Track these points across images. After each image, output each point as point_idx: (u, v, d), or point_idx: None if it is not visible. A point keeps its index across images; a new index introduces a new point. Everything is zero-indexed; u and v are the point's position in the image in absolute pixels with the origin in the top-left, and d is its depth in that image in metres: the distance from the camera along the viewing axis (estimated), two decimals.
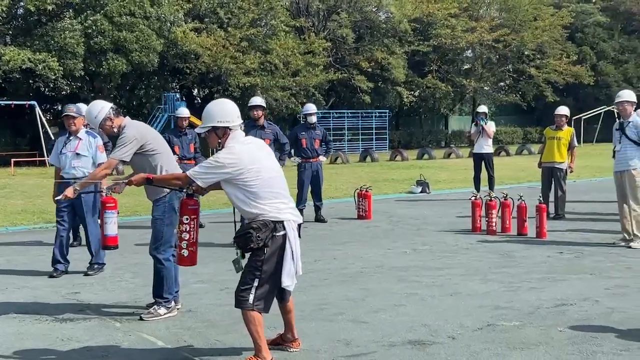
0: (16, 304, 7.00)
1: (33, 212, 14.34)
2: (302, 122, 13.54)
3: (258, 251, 4.86)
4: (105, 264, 8.54)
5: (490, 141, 15.78)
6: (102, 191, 6.80)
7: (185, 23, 35.87)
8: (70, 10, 33.35)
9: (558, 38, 51.93)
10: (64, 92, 33.98)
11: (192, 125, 12.00)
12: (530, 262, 8.71)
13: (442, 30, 46.26)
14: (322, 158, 12.61)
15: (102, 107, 6.48)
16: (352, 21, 44.01)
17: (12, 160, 29.39)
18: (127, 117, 6.65)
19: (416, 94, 47.42)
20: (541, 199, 11.10)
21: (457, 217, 12.99)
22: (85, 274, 8.31)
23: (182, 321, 6.35)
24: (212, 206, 14.50)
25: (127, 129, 6.37)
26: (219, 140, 5.08)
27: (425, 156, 34.88)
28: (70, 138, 8.52)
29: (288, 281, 4.94)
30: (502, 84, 55.70)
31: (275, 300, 5.13)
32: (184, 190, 5.52)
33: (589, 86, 52.15)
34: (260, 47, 38.00)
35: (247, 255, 4.97)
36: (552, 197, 12.52)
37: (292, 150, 12.66)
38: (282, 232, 4.91)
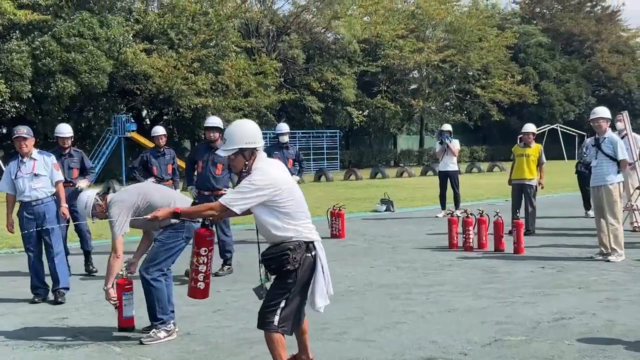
0: (5, 332, 6.74)
1: None
2: (274, 142, 13.45)
3: (290, 272, 4.72)
4: (69, 288, 8.25)
5: (455, 159, 15.91)
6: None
7: (135, 44, 35.43)
8: (17, 32, 32.63)
9: (502, 58, 53.16)
10: (9, 115, 33.11)
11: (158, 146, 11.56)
12: (516, 278, 8.80)
13: (390, 50, 46.82)
14: (295, 177, 12.52)
15: (87, 197, 6.45)
16: (302, 42, 44.22)
17: None
18: (113, 195, 6.64)
19: (366, 113, 47.75)
20: (518, 215, 11.25)
21: (428, 235, 13.07)
22: (56, 303, 7.96)
23: (183, 345, 6.23)
24: None
25: (114, 208, 6.32)
26: (246, 163, 4.88)
27: (379, 175, 35.10)
28: (24, 160, 8.10)
29: (321, 302, 4.86)
30: (447, 103, 56.59)
31: None
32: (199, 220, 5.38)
33: (533, 105, 53.44)
34: (212, 68, 37.76)
35: (272, 277, 4.87)
36: (521, 213, 12.70)
37: None
38: (313, 253, 4.82)
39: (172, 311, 6.54)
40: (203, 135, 11.47)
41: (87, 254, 9.91)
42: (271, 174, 4.78)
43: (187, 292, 5.47)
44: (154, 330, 6.35)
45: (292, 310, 4.77)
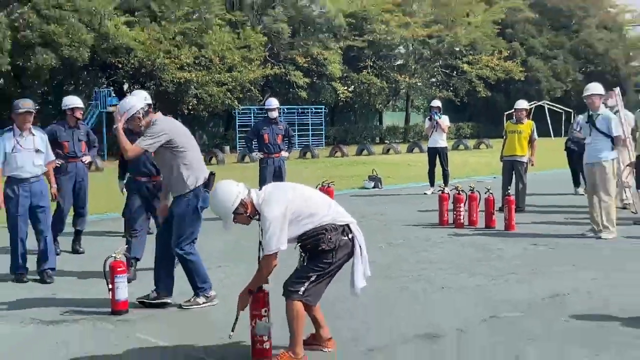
0: None
1: None
2: (263, 116, 13.38)
3: (326, 252, 4.86)
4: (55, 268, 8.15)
5: (444, 135, 15.91)
6: None
7: (117, 16, 35.03)
8: None
9: (490, 34, 53.06)
10: None
11: None
12: (509, 255, 8.86)
13: (377, 25, 46.66)
14: (284, 153, 12.51)
15: (140, 101, 6.52)
16: (287, 15, 43.92)
17: None
18: (159, 113, 6.64)
19: (351, 89, 47.51)
20: (509, 192, 11.31)
21: (419, 212, 13.11)
22: (44, 282, 7.83)
23: (175, 321, 6.25)
24: None
25: (157, 122, 6.42)
26: (252, 211, 4.94)
27: (365, 152, 35.09)
28: (23, 135, 7.86)
29: (361, 283, 5.00)
30: (434, 79, 56.46)
31: None
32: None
33: (519, 82, 53.44)
34: (195, 42, 37.45)
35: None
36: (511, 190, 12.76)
37: (253, 144, 12.57)
38: (350, 235, 4.95)
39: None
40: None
41: (78, 232, 9.84)
42: (279, 202, 4.86)
43: (252, 353, 5.11)
44: (193, 296, 6.59)
45: (320, 288, 4.95)
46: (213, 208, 5.05)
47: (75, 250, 9.72)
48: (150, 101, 6.92)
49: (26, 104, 7.93)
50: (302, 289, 4.84)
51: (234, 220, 4.95)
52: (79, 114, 9.66)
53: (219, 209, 4.95)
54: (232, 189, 4.92)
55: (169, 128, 6.46)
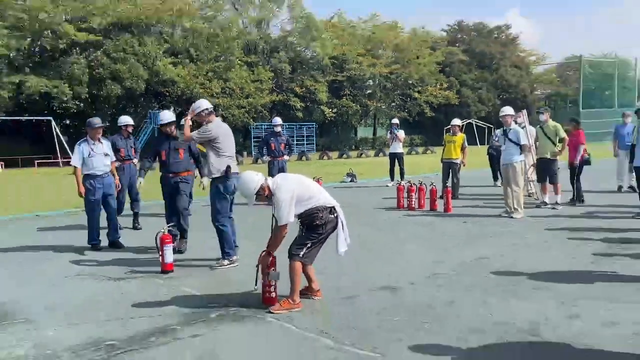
0: (76, 269, 6.70)
1: (62, 201, 13.70)
2: (270, 130, 13.30)
3: (318, 226, 4.90)
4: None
5: (401, 144, 15.86)
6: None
7: (165, 58, 34.88)
8: (77, 48, 31.96)
9: (433, 71, 53.13)
10: (72, 110, 32.53)
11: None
12: (446, 229, 8.86)
13: (353, 65, 46.66)
14: (286, 157, 12.50)
15: (207, 105, 6.70)
16: (288, 57, 43.81)
17: (36, 162, 28.02)
18: (218, 118, 6.77)
19: (334, 111, 47.53)
20: (447, 184, 11.32)
21: (382, 199, 13.10)
22: (118, 247, 7.88)
23: (208, 277, 6.24)
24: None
25: (210, 125, 6.53)
26: (269, 194, 4.91)
27: (345, 156, 35.11)
28: (95, 143, 7.87)
29: (343, 247, 5.07)
30: (394, 104, 56.43)
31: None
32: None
33: (455, 105, 53.54)
34: (222, 76, 37.39)
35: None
36: (449, 183, 12.77)
37: (264, 150, 12.53)
38: (335, 214, 4.99)
39: (236, 246, 6.75)
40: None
41: (135, 214, 9.81)
42: (288, 185, 4.87)
43: (262, 299, 5.10)
44: (220, 259, 6.61)
45: (314, 252, 5.00)
46: (240, 191, 5.03)
47: (134, 227, 9.70)
48: (211, 107, 6.83)
49: (97, 121, 8.03)
50: (302, 252, 4.89)
51: (256, 200, 4.95)
52: (130, 129, 9.65)
53: (245, 191, 4.95)
54: (254, 178, 4.92)
55: (215, 130, 6.54)
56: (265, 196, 4.92)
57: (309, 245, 4.91)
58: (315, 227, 4.91)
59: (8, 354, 4.16)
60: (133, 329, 4.55)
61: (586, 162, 11.05)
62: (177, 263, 6.63)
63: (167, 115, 7.75)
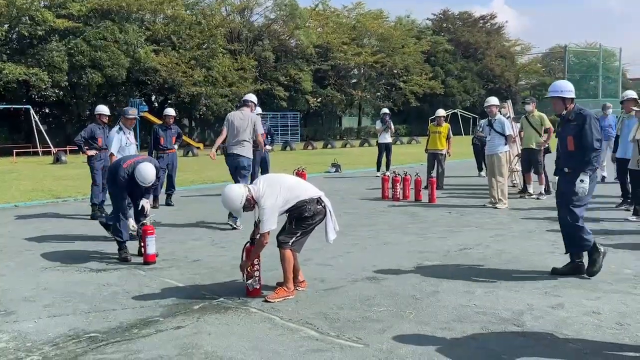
0: (58, 259, 6.62)
1: (42, 191, 13.54)
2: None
3: (307, 218, 4.95)
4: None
5: (389, 134, 15.86)
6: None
7: (146, 46, 34.44)
8: (56, 36, 31.40)
9: (419, 60, 53.16)
10: (52, 99, 32.05)
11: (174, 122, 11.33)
12: (431, 220, 8.93)
13: (337, 54, 46.44)
14: (267, 147, 12.46)
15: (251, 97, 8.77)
16: (272, 46, 43.53)
17: (14, 151, 27.60)
18: (242, 108, 8.43)
19: (319, 100, 47.40)
20: (432, 175, 11.38)
21: (367, 189, 13.15)
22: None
23: (191, 268, 6.20)
24: (183, 184, 14.11)
25: (229, 113, 8.51)
26: (253, 203, 4.85)
27: (329, 146, 35.09)
28: (131, 132, 8.43)
29: (332, 235, 5.13)
30: (379, 93, 56.44)
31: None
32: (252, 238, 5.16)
33: (440, 95, 53.71)
34: (204, 65, 37.04)
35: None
36: (433, 174, 12.83)
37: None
38: (322, 204, 5.03)
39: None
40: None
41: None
42: (272, 193, 4.83)
43: (246, 292, 5.09)
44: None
45: (302, 241, 5.07)
46: (226, 206, 4.99)
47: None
48: (251, 99, 8.68)
49: (134, 112, 8.52)
50: (291, 241, 4.96)
51: (244, 211, 4.92)
52: (105, 119, 9.60)
53: (232, 207, 4.96)
54: (239, 192, 4.82)
55: (229, 117, 8.47)
56: (251, 206, 4.91)
57: (298, 234, 4.99)
58: (304, 218, 4.97)
59: None
60: (115, 320, 4.52)
61: (546, 150, 11.09)
62: (161, 256, 6.60)
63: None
